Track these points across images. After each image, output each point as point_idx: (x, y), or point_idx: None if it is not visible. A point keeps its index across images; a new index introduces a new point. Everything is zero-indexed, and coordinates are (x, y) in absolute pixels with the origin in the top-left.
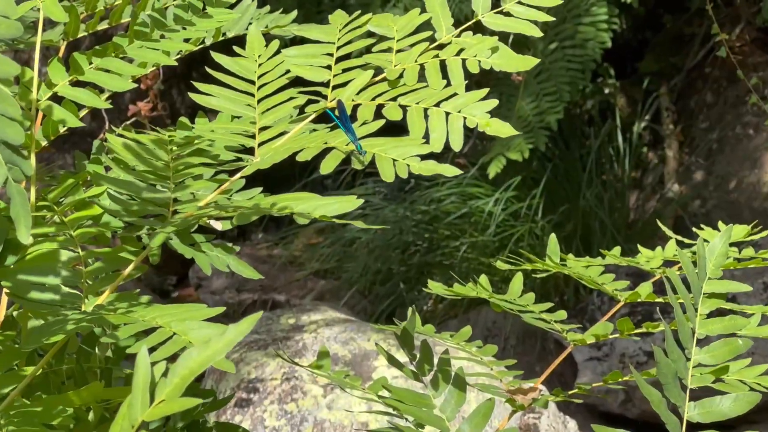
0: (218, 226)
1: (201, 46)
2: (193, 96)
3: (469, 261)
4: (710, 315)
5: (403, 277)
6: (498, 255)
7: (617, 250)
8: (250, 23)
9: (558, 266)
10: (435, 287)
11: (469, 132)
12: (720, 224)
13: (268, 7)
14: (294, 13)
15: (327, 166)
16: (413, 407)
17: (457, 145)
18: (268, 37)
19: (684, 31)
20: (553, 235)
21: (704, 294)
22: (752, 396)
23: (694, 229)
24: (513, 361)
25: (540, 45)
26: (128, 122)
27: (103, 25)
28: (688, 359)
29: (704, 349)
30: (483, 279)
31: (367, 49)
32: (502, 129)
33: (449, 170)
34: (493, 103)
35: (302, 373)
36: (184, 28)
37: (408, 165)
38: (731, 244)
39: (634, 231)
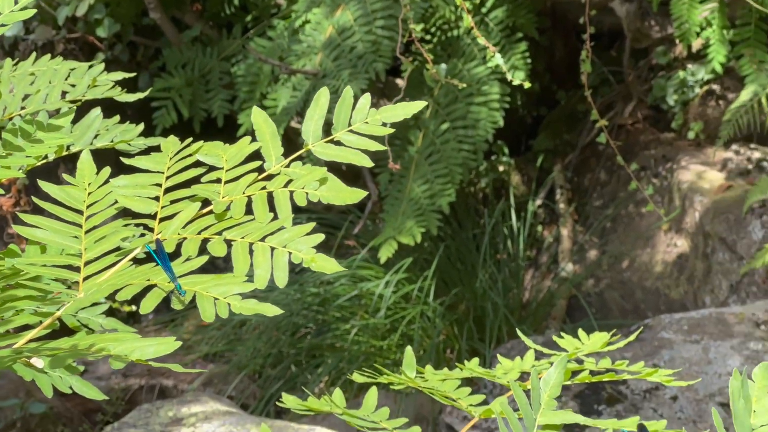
0: (39, 363)
1: (44, 161)
2: (16, 228)
3: (360, 344)
4: None
5: (293, 360)
6: (389, 337)
7: (475, 362)
8: (97, 135)
9: (412, 380)
10: (288, 401)
11: (361, 212)
12: (575, 337)
13: (117, 118)
14: (140, 127)
15: (147, 306)
16: None
17: (281, 281)
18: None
19: (578, 109)
20: (408, 348)
21: (538, 426)
22: None
23: (554, 338)
24: None
25: (431, 126)
26: None
27: None
28: None
29: None
30: (337, 394)
31: (197, 179)
32: (327, 266)
33: (270, 310)
34: (319, 238)
35: None
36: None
37: (229, 304)
38: (588, 355)
39: (528, 312)
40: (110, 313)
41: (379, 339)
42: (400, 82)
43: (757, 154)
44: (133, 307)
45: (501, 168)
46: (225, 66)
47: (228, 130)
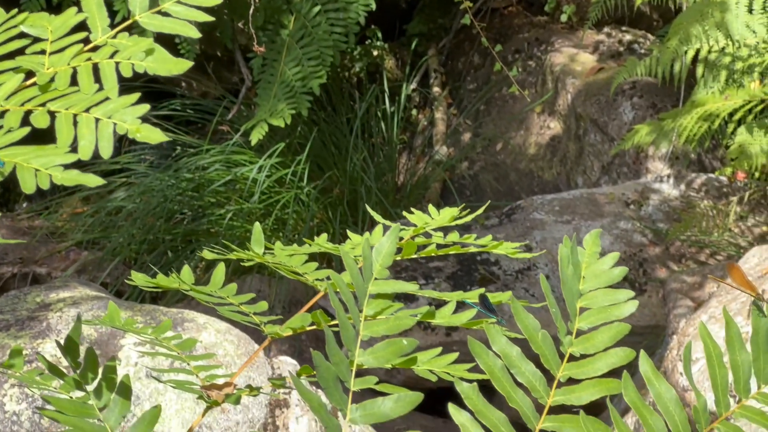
0: None
1: None
2: None
3: (235, 228)
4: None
5: (169, 246)
6: (264, 222)
7: (323, 237)
8: None
9: (259, 256)
10: (137, 279)
11: (235, 98)
12: (411, 214)
13: None
14: None
15: None
16: (74, 418)
17: (106, 152)
18: None
19: None
20: (257, 224)
21: (370, 295)
22: (414, 396)
23: (405, 214)
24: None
25: (303, 8)
26: None
27: None
28: (351, 362)
29: (368, 351)
30: (185, 271)
31: (22, 51)
32: (152, 135)
33: (92, 180)
34: (144, 108)
35: (44, 355)
36: None
37: (51, 175)
38: (437, 229)
39: (402, 195)
40: None
41: (253, 223)
42: None
43: (628, 37)
44: None
45: (375, 52)
46: None
47: None
